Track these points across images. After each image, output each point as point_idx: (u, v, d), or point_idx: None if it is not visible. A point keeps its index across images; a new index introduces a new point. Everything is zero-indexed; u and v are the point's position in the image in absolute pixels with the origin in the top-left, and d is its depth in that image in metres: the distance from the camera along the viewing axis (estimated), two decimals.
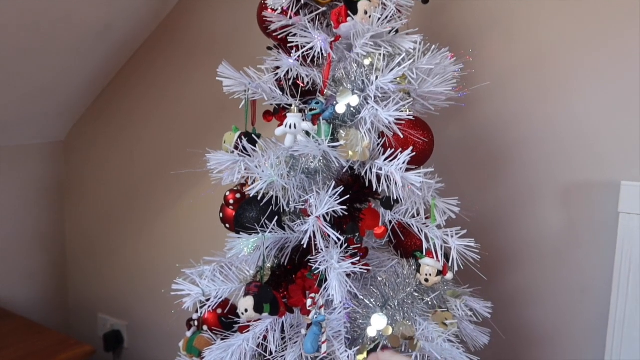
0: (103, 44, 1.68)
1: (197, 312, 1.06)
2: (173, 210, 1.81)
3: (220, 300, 1.01)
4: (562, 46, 1.16)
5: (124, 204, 1.94)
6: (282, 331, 0.96)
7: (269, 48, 1.04)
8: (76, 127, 2.04)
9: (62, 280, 2.14)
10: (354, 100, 0.89)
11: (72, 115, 2.00)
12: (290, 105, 0.94)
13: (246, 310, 0.85)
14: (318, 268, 0.85)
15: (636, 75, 1.09)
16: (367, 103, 0.88)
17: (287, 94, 0.96)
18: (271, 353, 0.93)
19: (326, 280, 0.84)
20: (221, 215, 1.04)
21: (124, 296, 1.99)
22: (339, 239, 0.88)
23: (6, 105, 1.70)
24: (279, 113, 1.04)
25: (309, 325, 0.88)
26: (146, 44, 1.78)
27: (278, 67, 0.94)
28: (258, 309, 0.85)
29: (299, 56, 0.91)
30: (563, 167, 1.19)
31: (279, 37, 0.96)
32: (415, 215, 0.96)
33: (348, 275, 0.91)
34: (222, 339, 0.98)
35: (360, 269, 0.86)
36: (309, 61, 0.93)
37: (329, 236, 0.87)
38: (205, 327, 1.05)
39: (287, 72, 0.93)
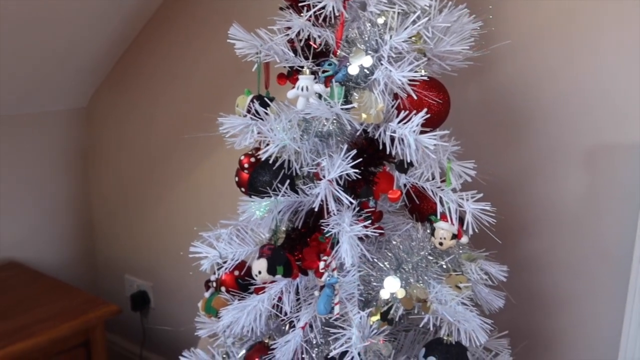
0: (118, 11, 1.67)
1: (214, 273, 1.08)
2: (192, 174, 1.83)
3: (237, 262, 1.03)
4: (588, 3, 1.10)
5: (145, 168, 1.98)
6: (297, 293, 0.97)
7: (281, 8, 1.02)
8: (97, 93, 2.06)
9: (90, 243, 2.21)
10: (367, 61, 0.86)
11: (92, 82, 2.02)
12: (303, 67, 0.92)
13: (260, 272, 0.87)
14: (330, 231, 0.86)
15: None
16: (381, 64, 0.86)
17: (299, 56, 0.95)
18: (286, 314, 0.95)
19: (338, 243, 0.84)
20: (236, 179, 1.05)
21: (148, 258, 2.05)
22: (351, 203, 0.87)
23: (29, 73, 1.73)
24: (292, 75, 1.02)
25: (322, 288, 0.89)
26: (161, 10, 1.76)
27: (289, 28, 0.92)
28: (271, 270, 0.86)
29: (310, 16, 0.88)
30: (586, 130, 1.15)
31: None
32: (430, 179, 0.95)
33: (362, 239, 0.91)
34: (238, 300, 1.00)
35: (373, 232, 0.86)
36: (320, 21, 0.91)
37: (341, 200, 0.87)
38: (222, 289, 1.07)
39: (299, 33, 0.91)
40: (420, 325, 0.94)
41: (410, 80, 0.83)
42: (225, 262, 1.04)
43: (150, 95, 1.89)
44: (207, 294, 1.10)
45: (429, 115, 0.84)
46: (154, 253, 2.02)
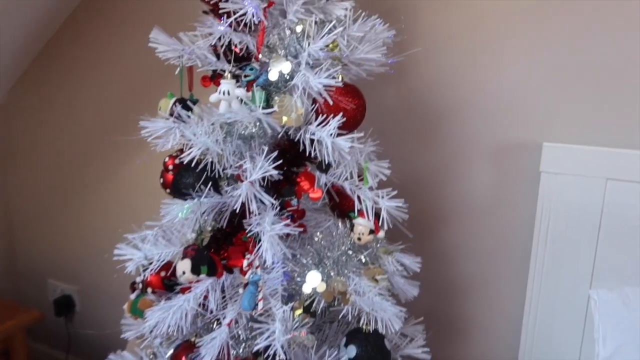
0: (34, 6, 1.60)
1: (140, 275, 1.08)
2: (116, 174, 1.79)
3: (163, 263, 1.04)
4: (492, 15, 1.20)
5: (66, 169, 1.91)
6: (223, 291, 1.00)
7: (205, 12, 1.03)
8: (14, 90, 1.96)
9: (9, 247, 2.10)
10: (286, 67, 0.90)
11: (8, 79, 1.91)
12: (225, 71, 0.94)
13: (184, 273, 0.89)
14: (252, 231, 0.89)
15: (561, 47, 1.15)
16: (300, 70, 0.90)
17: (222, 60, 0.97)
18: (212, 312, 0.97)
19: (260, 242, 0.88)
20: (161, 180, 1.06)
21: (72, 261, 1.98)
22: (272, 203, 0.91)
23: None
24: (216, 78, 1.04)
25: (246, 285, 0.92)
26: (79, 8, 1.71)
27: (212, 34, 0.94)
28: (195, 270, 0.88)
29: (230, 22, 0.91)
30: (491, 131, 1.25)
31: (212, 2, 0.95)
32: (349, 178, 1.00)
33: (287, 236, 0.95)
34: (165, 300, 1.01)
35: (293, 229, 0.90)
36: (241, 27, 0.93)
37: (264, 201, 0.91)
38: (149, 290, 1.07)
39: (220, 38, 0.93)
40: (340, 317, 0.99)
41: (326, 86, 0.88)
42: (151, 264, 1.04)
43: (70, 94, 1.83)
44: (132, 296, 1.10)
45: (344, 119, 0.90)
46: (78, 256, 1.96)
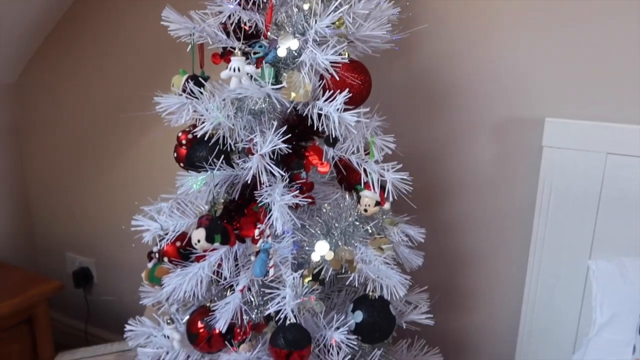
0: None
1: (157, 245, 1.14)
2: (131, 149, 1.84)
3: (178, 233, 1.09)
4: None
5: (81, 144, 1.96)
6: (236, 259, 1.05)
7: None
8: (27, 69, 2.00)
9: (28, 222, 2.18)
10: (294, 44, 0.93)
11: (21, 57, 1.95)
12: (235, 48, 0.98)
13: (199, 241, 0.94)
14: (263, 201, 0.94)
15: (563, 23, 1.17)
16: (307, 47, 0.93)
17: (232, 38, 1.00)
18: (225, 278, 1.02)
19: (271, 211, 0.92)
20: (175, 154, 1.10)
21: (89, 235, 2.05)
22: (282, 175, 0.95)
23: None
24: (226, 55, 1.07)
25: (257, 253, 0.97)
26: None
27: (221, 12, 0.97)
28: (209, 239, 0.93)
29: (239, 1, 0.93)
30: (495, 106, 1.28)
31: None
32: (356, 152, 1.04)
33: (296, 207, 1.00)
34: (181, 269, 1.06)
35: (302, 200, 0.95)
36: (250, 5, 0.96)
37: (274, 173, 0.95)
38: (165, 259, 1.13)
39: (230, 16, 0.96)
40: (348, 285, 1.04)
41: (333, 62, 0.91)
42: (166, 234, 1.10)
43: (83, 71, 1.87)
44: (150, 265, 1.15)
45: (351, 95, 0.93)
46: (94, 230, 2.03)
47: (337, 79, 0.92)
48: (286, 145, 0.96)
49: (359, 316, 1.04)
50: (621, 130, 1.12)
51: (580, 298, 1.23)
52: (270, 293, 0.97)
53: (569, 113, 1.19)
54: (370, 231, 1.09)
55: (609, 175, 1.15)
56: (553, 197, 1.21)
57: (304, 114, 0.99)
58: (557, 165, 1.19)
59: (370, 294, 1.05)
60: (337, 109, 0.92)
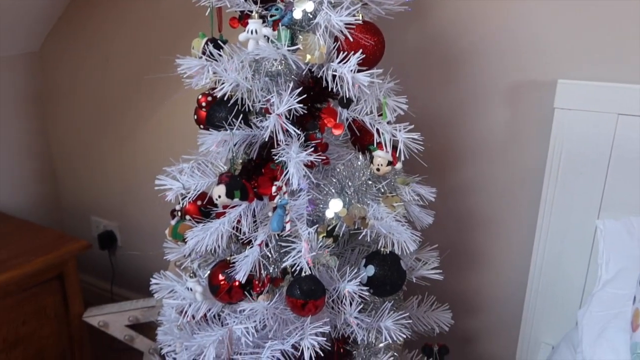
0: None
1: (179, 204, 1.20)
2: (153, 115, 1.90)
3: (199, 192, 1.15)
4: None
5: (103, 111, 2.02)
6: (254, 216, 1.10)
7: None
8: (49, 37, 2.05)
9: (53, 186, 2.27)
10: (310, 6, 0.96)
11: (43, 26, 2.00)
12: (252, 11, 1.00)
13: (219, 197, 0.99)
14: (280, 159, 0.98)
15: None
16: (322, 8, 0.96)
17: (249, 1, 1.03)
18: (244, 233, 1.08)
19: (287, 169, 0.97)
20: (195, 117, 1.15)
21: (113, 199, 2.13)
22: (298, 134, 0.99)
23: None
24: (244, 19, 1.10)
25: (274, 209, 1.02)
26: None
27: None
28: (229, 194, 0.98)
29: None
30: (507, 69, 1.29)
31: None
32: (369, 113, 1.07)
33: (311, 166, 1.04)
34: (202, 225, 1.12)
35: (316, 158, 0.99)
36: None
37: (290, 133, 0.99)
38: (187, 217, 1.19)
39: None
40: (360, 240, 1.09)
41: (347, 24, 0.93)
42: (188, 193, 1.15)
43: (104, 38, 1.91)
44: (173, 222, 1.21)
45: (364, 56, 0.96)
46: (118, 194, 2.11)
47: (351, 40, 0.95)
48: (301, 106, 0.99)
49: (370, 270, 1.08)
50: (632, 91, 1.13)
51: (588, 257, 1.26)
52: (287, 246, 1.03)
53: (581, 75, 1.20)
54: (382, 190, 1.13)
55: (620, 136, 1.16)
56: (563, 158, 1.23)
57: (319, 76, 1.02)
58: (568, 126, 1.21)
59: (382, 249, 1.10)
60: (351, 70, 0.95)
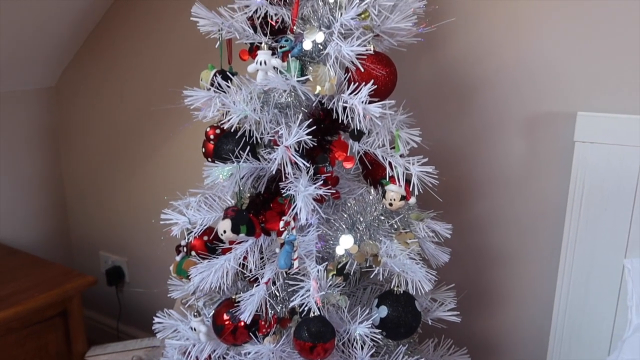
0: None
1: (185, 239, 1.16)
2: (161, 149, 1.89)
3: (206, 227, 1.11)
4: None
5: (117, 145, 2.02)
6: (261, 252, 1.06)
7: None
8: (66, 72, 2.08)
9: (63, 220, 2.25)
10: (320, 37, 0.94)
11: (60, 61, 2.04)
12: (262, 43, 0.99)
13: (225, 232, 0.95)
14: (287, 193, 0.94)
15: (594, 15, 1.14)
16: (332, 39, 0.94)
17: (259, 33, 1.02)
18: (250, 271, 1.03)
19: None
20: (203, 150, 1.12)
21: (122, 234, 2.10)
22: (307, 166, 0.96)
23: None
24: (254, 51, 1.09)
25: (282, 245, 0.98)
26: None
27: (248, 6, 0.99)
28: (235, 229, 0.94)
29: None
30: (524, 100, 1.25)
31: None
32: (381, 146, 1.03)
33: (320, 201, 1.00)
34: (207, 261, 1.08)
35: (325, 191, 0.95)
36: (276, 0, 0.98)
37: (299, 166, 0.95)
38: (192, 253, 1.15)
39: (257, 10, 0.98)
40: (372, 280, 1.04)
41: (358, 54, 0.91)
42: (194, 228, 1.12)
43: (118, 73, 1.93)
44: (178, 258, 1.18)
45: (376, 87, 0.93)
46: (127, 229, 2.08)
47: (362, 70, 0.92)
48: (310, 138, 0.96)
49: (383, 311, 1.03)
50: None
51: (616, 299, 1.18)
52: (295, 285, 0.98)
53: (601, 107, 1.16)
54: (395, 226, 1.08)
55: None
56: (586, 193, 1.18)
57: (330, 108, 0.99)
58: (590, 160, 1.16)
59: (395, 288, 1.04)
60: (362, 101, 0.92)
